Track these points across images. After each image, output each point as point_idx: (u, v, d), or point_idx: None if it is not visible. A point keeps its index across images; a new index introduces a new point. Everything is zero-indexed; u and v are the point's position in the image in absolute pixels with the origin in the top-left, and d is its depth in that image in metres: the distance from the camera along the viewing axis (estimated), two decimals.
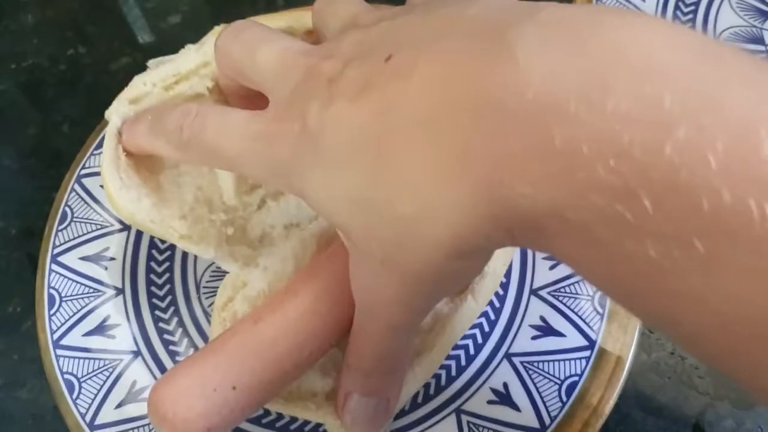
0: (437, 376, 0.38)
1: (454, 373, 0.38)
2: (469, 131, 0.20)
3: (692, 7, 0.50)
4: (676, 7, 0.49)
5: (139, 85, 0.39)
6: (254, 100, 0.33)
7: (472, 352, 0.39)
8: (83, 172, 0.46)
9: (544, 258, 0.41)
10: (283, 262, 0.37)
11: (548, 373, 0.38)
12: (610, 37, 0.18)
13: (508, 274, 0.40)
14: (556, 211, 0.18)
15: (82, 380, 0.39)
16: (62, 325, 0.41)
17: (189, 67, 0.39)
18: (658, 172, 0.16)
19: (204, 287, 0.43)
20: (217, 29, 0.39)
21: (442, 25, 0.23)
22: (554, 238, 0.19)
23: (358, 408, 0.32)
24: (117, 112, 0.38)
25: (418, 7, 0.26)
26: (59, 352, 0.40)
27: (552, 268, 0.40)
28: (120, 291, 0.42)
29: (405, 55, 0.22)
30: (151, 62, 0.40)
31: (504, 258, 0.38)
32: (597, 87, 0.17)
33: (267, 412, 0.39)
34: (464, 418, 0.37)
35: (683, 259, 0.16)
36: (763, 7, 0.50)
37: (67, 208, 0.44)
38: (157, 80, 0.39)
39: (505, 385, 0.38)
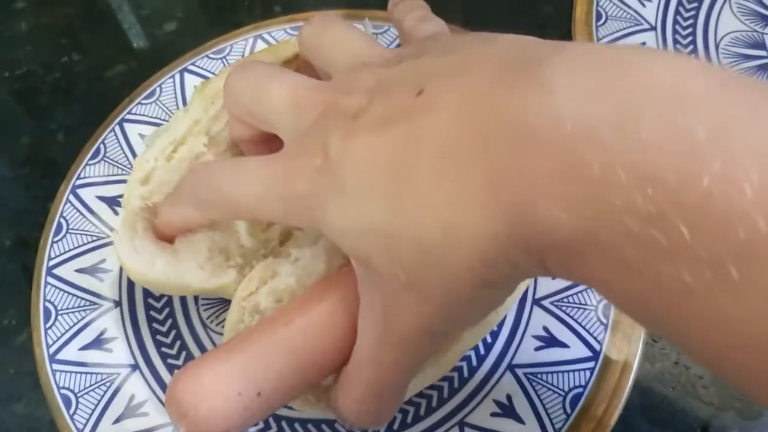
0: (439, 389, 0.38)
1: (456, 385, 0.38)
2: (499, 157, 0.20)
3: (693, 12, 0.49)
4: (677, 12, 0.49)
5: (143, 164, 0.39)
6: (268, 146, 0.33)
7: (474, 363, 0.38)
8: (78, 182, 0.45)
9: None
10: (313, 256, 0.36)
11: (552, 384, 0.37)
12: (641, 70, 0.19)
13: None
14: (590, 236, 0.19)
15: (79, 395, 0.39)
16: (58, 339, 0.40)
17: (182, 131, 0.39)
18: (695, 200, 0.17)
19: (203, 299, 0.42)
20: (196, 86, 0.40)
21: (468, 60, 0.23)
22: (585, 262, 0.20)
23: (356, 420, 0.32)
24: (132, 196, 0.38)
25: (434, 48, 0.27)
26: (56, 366, 0.39)
27: (555, 277, 0.40)
28: (117, 303, 0.42)
29: (434, 88, 0.23)
30: (146, 139, 0.40)
31: None
32: (630, 117, 0.18)
33: None
34: (467, 431, 0.37)
35: (716, 283, 0.17)
36: (765, 11, 0.49)
37: (62, 220, 0.44)
38: (157, 154, 0.39)
39: (509, 397, 0.37)
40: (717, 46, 0.48)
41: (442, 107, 0.22)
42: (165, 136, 0.39)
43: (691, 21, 0.49)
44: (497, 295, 0.25)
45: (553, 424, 0.36)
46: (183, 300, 0.42)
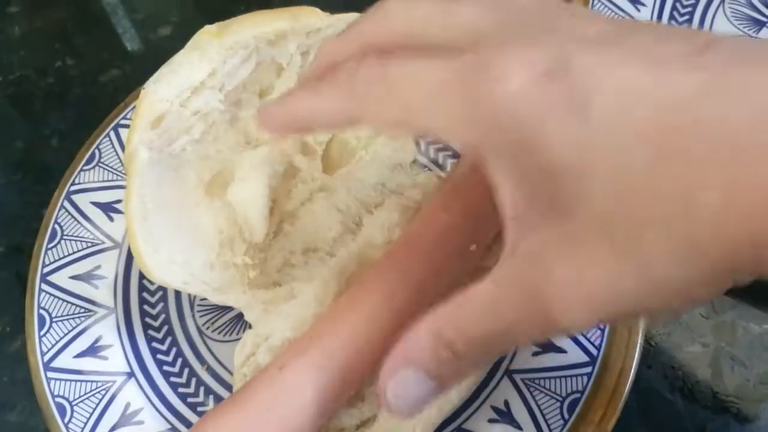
0: None
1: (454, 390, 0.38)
2: None
3: (687, 16, 0.49)
4: (671, 16, 0.49)
5: (155, 104, 0.36)
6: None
7: None
8: (73, 188, 0.45)
9: None
10: (304, 306, 0.37)
11: (549, 389, 0.37)
12: None
13: None
14: None
15: (74, 403, 0.38)
16: (53, 346, 0.40)
17: (199, 78, 0.37)
18: None
19: (198, 305, 0.42)
20: (206, 29, 0.38)
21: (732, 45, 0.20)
22: None
23: (413, 384, 0.25)
24: (143, 142, 0.36)
25: (635, 25, 0.23)
26: (50, 374, 0.39)
27: None
28: (112, 310, 0.41)
29: (720, 51, 0.20)
30: (152, 78, 0.37)
31: None
32: None
33: None
34: None
35: None
36: (758, 16, 0.50)
37: (56, 226, 0.43)
38: (171, 97, 0.36)
39: (506, 403, 0.37)
40: None
41: (752, 71, 0.19)
42: (175, 78, 0.36)
43: (685, 25, 0.49)
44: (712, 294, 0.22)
45: (550, 430, 0.36)
46: (179, 306, 0.42)
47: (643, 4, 0.49)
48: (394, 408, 0.26)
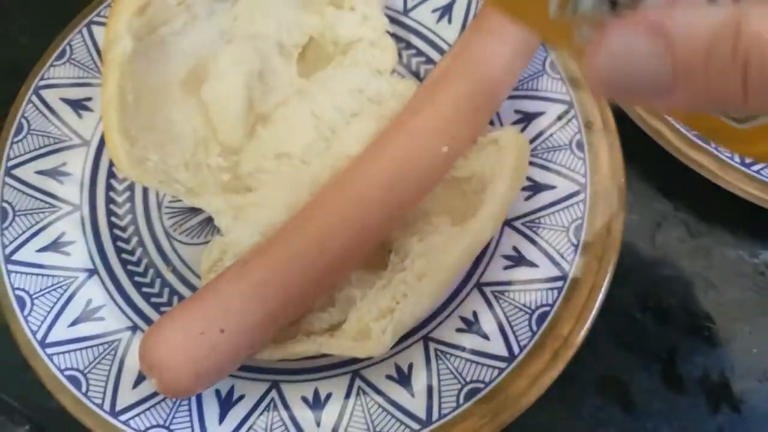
0: None
1: None
2: None
3: None
4: None
5: None
6: None
7: None
8: (41, 83, 0.43)
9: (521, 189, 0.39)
10: (274, 214, 0.36)
11: (519, 302, 0.36)
12: None
13: None
14: None
15: (34, 297, 0.37)
16: (15, 239, 0.39)
17: None
18: None
19: (166, 207, 0.41)
20: None
21: None
22: None
23: (630, 47, 0.18)
24: (129, 30, 0.34)
25: None
26: (11, 267, 0.38)
27: (528, 198, 0.39)
28: (77, 207, 0.40)
29: None
30: None
31: (513, 182, 0.36)
32: None
33: None
34: (432, 345, 0.36)
35: None
36: None
37: (23, 120, 0.42)
38: None
39: (475, 314, 0.37)
40: None
41: None
42: None
43: None
44: None
45: (518, 341, 0.35)
46: (146, 207, 0.41)
47: None
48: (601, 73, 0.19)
